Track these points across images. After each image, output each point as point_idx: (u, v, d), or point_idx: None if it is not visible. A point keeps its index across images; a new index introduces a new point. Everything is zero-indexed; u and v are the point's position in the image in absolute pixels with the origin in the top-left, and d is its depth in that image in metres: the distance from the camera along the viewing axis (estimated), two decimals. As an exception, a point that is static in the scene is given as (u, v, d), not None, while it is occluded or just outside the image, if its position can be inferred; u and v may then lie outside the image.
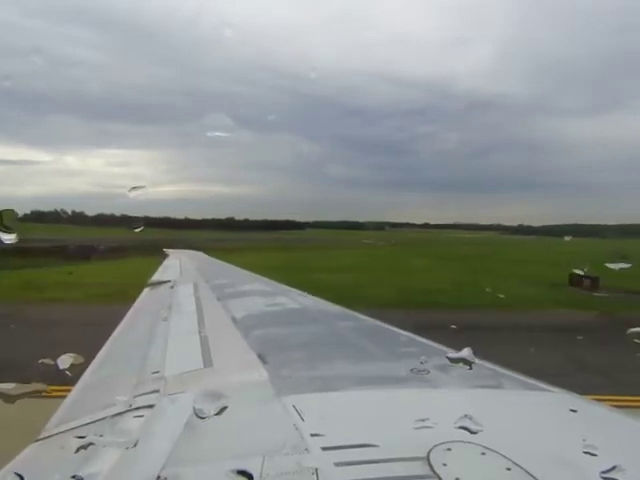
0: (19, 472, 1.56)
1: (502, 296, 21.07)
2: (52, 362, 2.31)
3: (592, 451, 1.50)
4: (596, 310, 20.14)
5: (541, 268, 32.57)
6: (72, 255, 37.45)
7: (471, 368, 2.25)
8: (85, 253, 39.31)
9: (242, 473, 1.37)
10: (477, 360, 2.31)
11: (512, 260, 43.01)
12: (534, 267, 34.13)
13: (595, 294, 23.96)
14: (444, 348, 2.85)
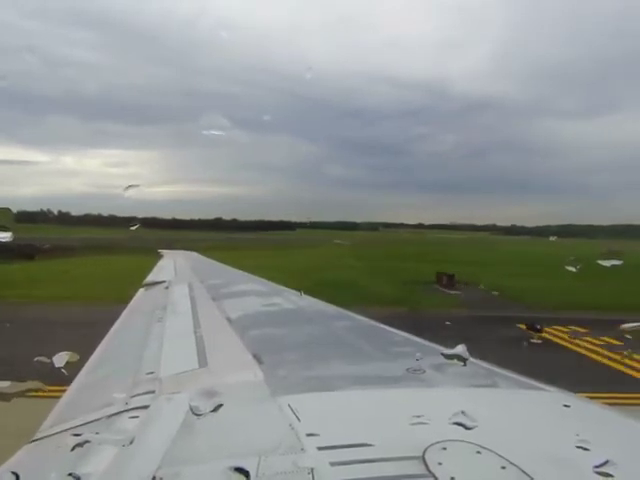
0: (15, 472, 1.55)
1: (349, 294, 21.29)
2: (48, 360, 2.29)
3: (585, 446, 1.52)
4: (407, 306, 20.84)
5: (449, 268, 33.44)
6: (14, 254, 36.40)
7: (465, 364, 2.28)
8: (30, 252, 38.46)
9: (238, 473, 1.38)
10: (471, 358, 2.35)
11: (439, 260, 42.86)
12: (445, 267, 34.65)
13: (448, 291, 25.74)
14: (440, 347, 2.87)
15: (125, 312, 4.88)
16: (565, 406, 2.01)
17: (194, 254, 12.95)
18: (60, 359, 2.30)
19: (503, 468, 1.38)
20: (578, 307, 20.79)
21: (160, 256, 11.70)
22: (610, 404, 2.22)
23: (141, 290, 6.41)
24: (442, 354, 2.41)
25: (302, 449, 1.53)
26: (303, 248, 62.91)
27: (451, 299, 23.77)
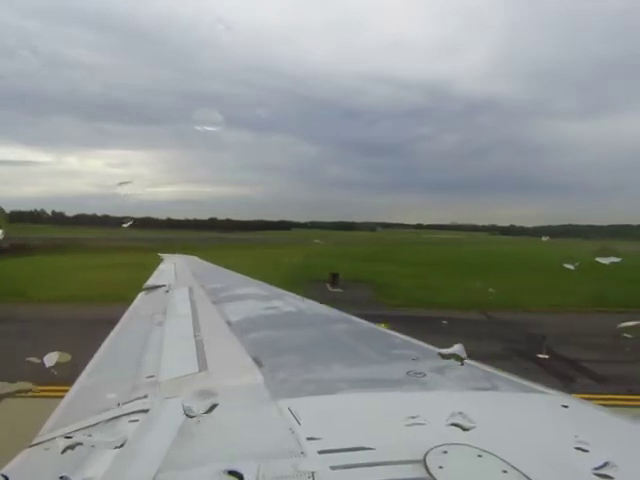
0: (13, 477, 1.55)
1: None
2: (38, 360, 2.25)
3: (584, 448, 1.53)
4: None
5: (389, 267, 35.20)
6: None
7: (462, 364, 2.27)
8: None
9: (238, 477, 1.37)
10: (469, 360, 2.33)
11: (387, 260, 44.04)
12: (385, 266, 36.23)
13: (331, 289, 26.68)
14: (440, 350, 2.85)
15: (125, 315, 4.87)
16: (564, 408, 2.02)
17: (194, 258, 12.93)
18: (50, 359, 2.27)
19: (504, 472, 1.37)
20: (453, 306, 20.66)
21: (153, 256, 11.70)
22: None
23: (141, 294, 6.38)
24: (439, 354, 2.41)
25: (302, 453, 1.52)
26: (273, 247, 62.65)
27: (320, 296, 23.97)
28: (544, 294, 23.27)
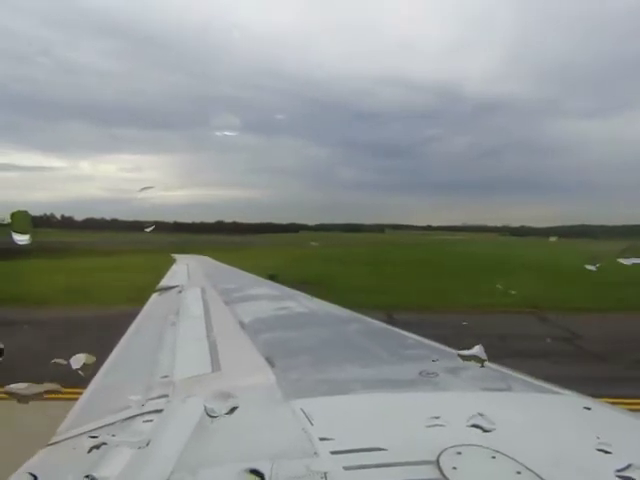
0: (33, 474, 1.56)
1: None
2: (65, 362, 2.30)
3: (606, 449, 1.49)
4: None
5: (344, 269, 35.42)
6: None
7: (483, 365, 2.26)
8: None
9: (252, 477, 1.38)
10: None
11: (374, 262, 43.12)
12: (350, 268, 36.36)
13: None
14: (453, 351, 2.85)
15: (139, 316, 4.92)
16: (583, 410, 1.98)
17: (206, 258, 12.89)
18: (77, 361, 2.32)
19: (518, 473, 1.36)
20: (372, 307, 19.31)
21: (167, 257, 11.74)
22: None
23: (154, 295, 6.42)
24: (459, 355, 2.40)
25: (315, 453, 1.52)
26: (261, 250, 61.80)
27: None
28: (480, 295, 21.99)
